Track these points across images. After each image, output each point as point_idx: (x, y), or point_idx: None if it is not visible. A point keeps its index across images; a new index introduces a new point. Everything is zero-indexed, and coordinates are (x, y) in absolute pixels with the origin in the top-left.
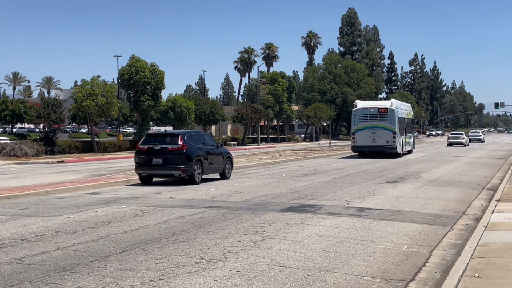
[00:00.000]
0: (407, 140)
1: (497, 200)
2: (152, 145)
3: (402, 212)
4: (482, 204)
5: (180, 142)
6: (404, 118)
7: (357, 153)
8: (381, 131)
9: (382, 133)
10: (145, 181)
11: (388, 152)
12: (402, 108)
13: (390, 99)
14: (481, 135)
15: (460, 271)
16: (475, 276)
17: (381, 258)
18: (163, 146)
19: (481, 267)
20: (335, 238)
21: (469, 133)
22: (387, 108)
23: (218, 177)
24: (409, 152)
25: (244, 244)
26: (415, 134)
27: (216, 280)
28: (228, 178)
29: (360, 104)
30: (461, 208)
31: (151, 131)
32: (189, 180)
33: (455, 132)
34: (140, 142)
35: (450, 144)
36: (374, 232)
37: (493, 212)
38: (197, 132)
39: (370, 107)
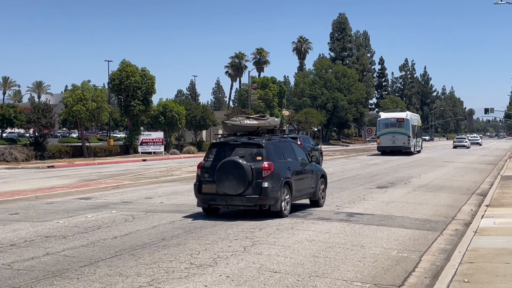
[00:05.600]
0: (417, 143)
1: (487, 206)
2: None
3: (392, 217)
4: (471, 209)
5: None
6: (416, 126)
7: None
8: (399, 135)
9: (400, 137)
10: None
11: (404, 151)
12: (414, 118)
13: (405, 111)
14: (479, 139)
15: (449, 276)
16: (464, 281)
17: (371, 263)
18: None
19: (470, 272)
20: (325, 243)
21: (469, 137)
22: (403, 118)
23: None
24: (418, 152)
25: (234, 249)
26: None
27: (206, 286)
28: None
29: (383, 115)
30: (451, 213)
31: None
32: None
33: (459, 136)
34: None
35: (455, 147)
36: (364, 237)
37: (482, 217)
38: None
39: (391, 117)
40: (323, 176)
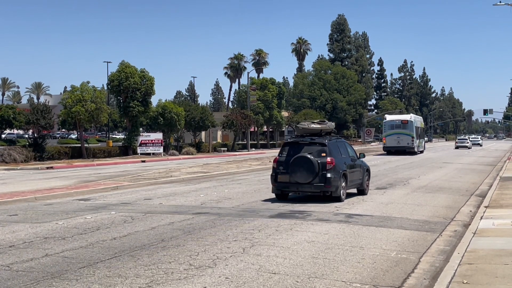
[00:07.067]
0: (420, 143)
1: (486, 207)
2: None
3: (391, 218)
4: (470, 211)
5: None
6: (419, 127)
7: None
8: (404, 136)
9: (404, 138)
10: None
11: (408, 151)
12: (417, 120)
13: (409, 114)
14: (479, 140)
15: (448, 277)
16: (463, 283)
17: (370, 264)
18: None
19: (470, 273)
20: (324, 245)
21: (470, 138)
22: (407, 120)
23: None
24: (421, 152)
25: (233, 251)
26: None
27: (205, 287)
28: None
29: (389, 117)
30: (450, 214)
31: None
32: None
33: (461, 138)
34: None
35: (457, 147)
36: (363, 238)
37: (481, 218)
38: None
39: (396, 119)
40: (368, 170)
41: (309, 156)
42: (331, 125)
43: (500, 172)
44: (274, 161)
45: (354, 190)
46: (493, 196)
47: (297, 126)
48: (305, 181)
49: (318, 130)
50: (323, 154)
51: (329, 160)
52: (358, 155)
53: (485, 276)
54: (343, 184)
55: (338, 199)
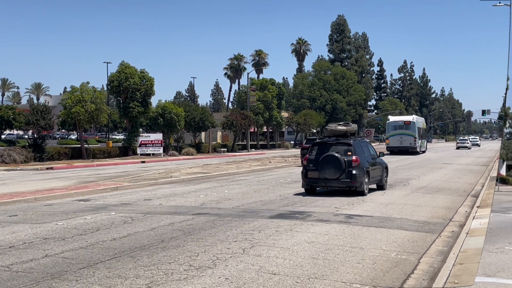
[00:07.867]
0: (422, 143)
1: (477, 207)
2: None
3: (391, 219)
4: (466, 211)
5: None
6: (421, 128)
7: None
8: (406, 136)
9: (407, 138)
10: None
11: (411, 151)
12: (420, 121)
13: (412, 115)
14: (478, 141)
15: (444, 278)
16: (455, 283)
17: (370, 265)
18: None
19: (460, 273)
20: (324, 245)
21: (470, 139)
22: (410, 121)
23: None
24: (424, 152)
25: (233, 251)
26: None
27: (205, 287)
28: None
29: (392, 118)
30: (448, 215)
31: None
32: None
33: (462, 138)
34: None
35: (458, 148)
36: (363, 239)
37: (473, 218)
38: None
39: (399, 120)
40: (386, 168)
41: (336, 154)
42: (355, 127)
43: (490, 172)
44: (304, 159)
45: (374, 186)
46: (483, 196)
47: (326, 128)
48: (333, 177)
49: (344, 131)
50: (349, 153)
51: (354, 158)
52: (378, 154)
53: (470, 275)
54: (366, 180)
55: (362, 193)
